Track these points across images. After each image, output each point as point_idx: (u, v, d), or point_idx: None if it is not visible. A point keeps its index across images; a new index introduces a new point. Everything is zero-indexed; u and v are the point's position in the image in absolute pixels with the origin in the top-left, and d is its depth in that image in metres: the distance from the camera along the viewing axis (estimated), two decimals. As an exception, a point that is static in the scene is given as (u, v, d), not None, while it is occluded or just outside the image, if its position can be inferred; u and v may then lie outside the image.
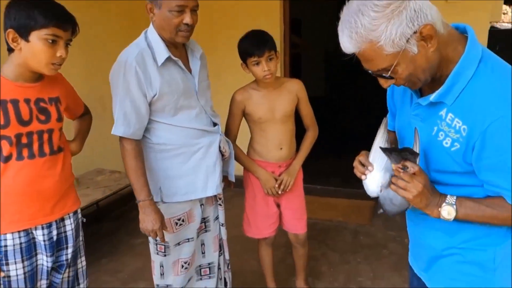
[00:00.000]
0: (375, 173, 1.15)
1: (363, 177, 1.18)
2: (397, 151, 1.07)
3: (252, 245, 2.39)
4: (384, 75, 1.03)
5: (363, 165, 1.19)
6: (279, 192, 2.10)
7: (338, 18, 1.02)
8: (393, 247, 3.05)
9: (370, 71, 1.06)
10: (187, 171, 1.77)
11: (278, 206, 2.23)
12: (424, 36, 0.96)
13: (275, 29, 3.73)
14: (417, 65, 1.00)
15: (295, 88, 2.09)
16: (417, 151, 1.07)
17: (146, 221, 1.66)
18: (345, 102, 7.88)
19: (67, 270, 1.63)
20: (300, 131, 2.21)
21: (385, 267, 2.79)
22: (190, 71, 1.77)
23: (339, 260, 2.90)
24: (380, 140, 1.17)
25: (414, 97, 1.16)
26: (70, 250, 1.61)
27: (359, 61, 1.05)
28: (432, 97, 1.07)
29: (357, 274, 2.73)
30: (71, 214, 1.62)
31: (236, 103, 2.08)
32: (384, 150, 1.08)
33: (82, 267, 1.71)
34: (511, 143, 0.96)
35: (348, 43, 0.99)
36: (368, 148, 1.20)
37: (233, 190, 2.14)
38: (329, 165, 4.54)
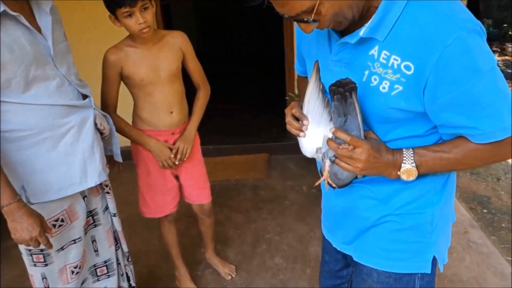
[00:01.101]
0: (311, 129, 0.98)
1: (301, 134, 0.99)
2: (337, 88, 0.89)
3: (152, 222, 2.12)
4: (305, 19, 0.83)
5: (297, 119, 0.99)
6: (176, 163, 1.84)
7: None
8: (294, 197, 3.06)
9: (286, 16, 0.85)
10: (57, 160, 1.39)
11: (177, 178, 1.97)
12: None
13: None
14: (342, 1, 0.82)
15: (179, 42, 1.79)
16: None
17: (20, 229, 1.27)
18: (221, 55, 7.67)
19: None
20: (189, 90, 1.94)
21: (290, 218, 2.78)
22: (39, 30, 1.34)
23: (244, 220, 2.80)
24: (313, 88, 0.97)
25: (334, 39, 0.97)
26: None
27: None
28: (362, 31, 0.88)
29: (264, 231, 2.66)
30: None
31: (110, 65, 1.70)
32: (332, 90, 0.90)
33: None
34: (472, 67, 0.81)
35: None
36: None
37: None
38: (217, 123, 4.35)
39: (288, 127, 1.02)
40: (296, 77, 1.42)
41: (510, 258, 2.37)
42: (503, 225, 2.70)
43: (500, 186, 3.18)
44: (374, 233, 1.08)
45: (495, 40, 8.28)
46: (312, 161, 1.10)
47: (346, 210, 1.13)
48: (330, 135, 0.96)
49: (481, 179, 3.27)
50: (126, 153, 1.87)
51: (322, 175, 1.01)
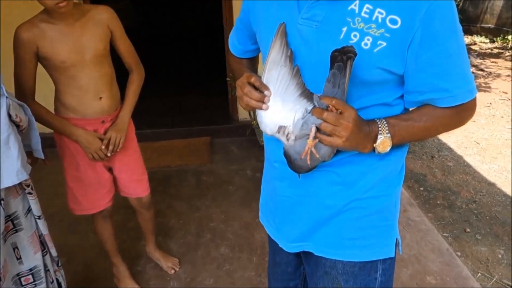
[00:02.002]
0: (274, 101, 0.87)
1: (263, 106, 0.88)
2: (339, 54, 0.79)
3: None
4: None
5: (256, 89, 0.88)
6: (108, 154, 1.66)
7: None
8: (238, 181, 2.97)
9: None
10: None
11: (110, 170, 1.79)
12: None
13: None
14: None
15: (104, 18, 1.58)
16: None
17: None
18: (156, 30, 7.30)
19: None
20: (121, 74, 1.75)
21: (234, 205, 2.69)
22: None
23: (187, 208, 2.68)
24: (278, 54, 0.85)
25: None
26: None
27: None
28: None
29: (209, 220, 2.56)
30: None
31: (22, 44, 1.47)
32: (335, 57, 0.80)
33: None
34: (452, 25, 0.81)
35: None
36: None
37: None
38: (154, 104, 4.12)
39: (246, 99, 0.89)
40: (230, 58, 1.28)
41: (446, 234, 2.48)
42: (438, 202, 2.82)
43: (434, 163, 3.32)
44: (337, 222, 1.01)
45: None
46: (256, 143, 0.98)
47: (302, 200, 1.03)
48: (300, 113, 0.86)
49: (417, 158, 3.40)
50: (51, 140, 1.67)
51: (289, 156, 0.91)
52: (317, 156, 0.87)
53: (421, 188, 2.98)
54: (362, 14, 0.82)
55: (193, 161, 3.28)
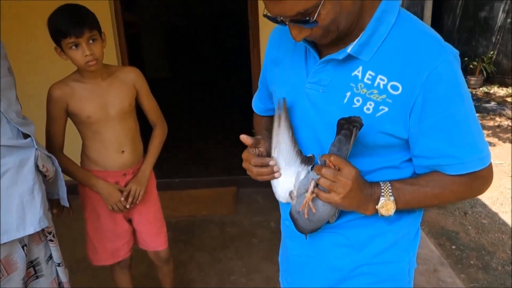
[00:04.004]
0: (283, 170, 0.92)
1: (276, 174, 0.93)
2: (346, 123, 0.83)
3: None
4: (306, 19, 0.78)
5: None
6: (127, 207, 1.70)
7: None
8: (261, 234, 2.94)
9: (280, 19, 0.80)
10: None
11: (130, 221, 1.82)
12: None
13: (104, 6, 3.16)
14: (343, 6, 0.78)
15: (131, 78, 1.68)
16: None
17: None
18: (192, 82, 7.62)
19: None
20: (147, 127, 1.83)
21: (257, 258, 2.65)
22: None
23: (209, 260, 2.66)
24: (284, 128, 0.90)
25: (312, 59, 0.92)
26: None
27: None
28: (350, 48, 0.84)
29: (230, 273, 2.52)
30: None
31: (55, 101, 1.58)
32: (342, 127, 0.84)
33: None
34: (456, 90, 0.81)
35: None
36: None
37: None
38: (183, 153, 4.23)
39: (258, 170, 0.94)
40: (254, 116, 1.34)
41: (480, 298, 2.32)
42: (471, 262, 2.66)
43: (468, 220, 3.17)
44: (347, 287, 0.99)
45: (458, 73, 8.59)
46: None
47: (311, 261, 1.03)
48: (303, 173, 0.91)
49: (448, 213, 3.26)
50: (76, 187, 1.74)
51: (292, 216, 0.94)
52: (314, 210, 0.88)
53: (453, 247, 2.83)
54: (365, 80, 0.85)
55: (218, 211, 3.29)
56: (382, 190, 0.87)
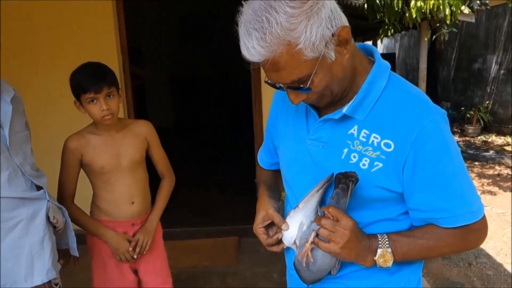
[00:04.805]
0: (296, 221, 0.98)
1: (284, 227, 1.01)
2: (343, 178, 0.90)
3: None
4: (301, 86, 0.85)
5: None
6: (135, 257, 1.72)
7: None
8: (263, 285, 2.90)
9: (278, 85, 0.88)
10: (2, 254, 1.28)
11: (136, 272, 1.83)
12: (340, 40, 0.83)
13: (112, 60, 3.32)
14: (333, 74, 0.86)
15: (143, 130, 1.76)
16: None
17: None
18: (196, 131, 7.75)
19: None
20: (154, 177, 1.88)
21: (259, 311, 2.60)
22: None
23: (211, 312, 2.60)
24: (319, 195, 0.96)
25: (312, 118, 1.00)
26: None
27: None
28: (345, 109, 0.92)
29: (232, 326, 2.47)
30: None
31: (70, 152, 1.64)
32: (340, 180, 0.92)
33: None
34: (444, 148, 0.87)
35: (259, 47, 0.78)
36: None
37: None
38: (185, 203, 4.24)
39: (267, 242, 1.06)
40: (257, 169, 1.41)
41: None
42: (479, 315, 2.61)
43: (472, 271, 3.13)
44: None
45: (455, 122, 8.79)
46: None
47: None
48: (308, 222, 0.96)
49: (453, 264, 3.23)
50: (84, 237, 1.76)
51: (295, 266, 0.98)
52: (312, 260, 0.92)
53: (459, 299, 2.79)
54: (360, 138, 0.92)
55: (220, 261, 3.26)
56: (380, 242, 0.92)
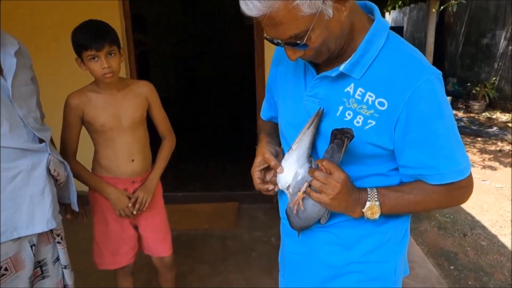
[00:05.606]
0: (291, 163, 1.01)
1: (279, 170, 1.03)
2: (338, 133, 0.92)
3: (111, 274, 1.99)
4: (298, 42, 0.86)
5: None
6: (134, 213, 1.77)
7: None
8: (261, 248, 2.97)
9: (276, 41, 0.89)
10: (3, 203, 1.33)
11: (136, 228, 1.89)
12: None
13: (116, 26, 3.29)
14: (330, 31, 0.87)
15: (144, 91, 1.78)
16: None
17: None
18: (198, 103, 7.75)
19: None
20: (156, 138, 1.91)
21: (256, 271, 2.68)
22: (1, 71, 1.32)
23: (209, 272, 2.69)
24: (311, 131, 0.98)
25: (310, 75, 1.01)
26: None
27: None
28: (342, 67, 0.93)
29: (229, 284, 2.55)
30: None
31: (71, 109, 1.67)
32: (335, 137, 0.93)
33: None
34: (437, 109, 0.89)
35: (257, 2, 0.80)
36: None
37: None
38: (187, 169, 4.30)
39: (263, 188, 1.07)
40: (259, 122, 1.44)
41: (477, 317, 2.34)
42: (469, 282, 2.68)
43: (467, 241, 3.20)
44: (338, 284, 1.06)
45: (460, 97, 8.72)
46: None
47: (305, 258, 1.11)
48: (302, 172, 0.99)
49: (448, 234, 3.29)
50: (86, 198, 1.80)
51: (286, 213, 1.02)
52: (302, 208, 0.96)
53: (452, 267, 2.86)
54: (356, 96, 0.94)
55: (220, 225, 3.34)
56: (369, 195, 0.96)
